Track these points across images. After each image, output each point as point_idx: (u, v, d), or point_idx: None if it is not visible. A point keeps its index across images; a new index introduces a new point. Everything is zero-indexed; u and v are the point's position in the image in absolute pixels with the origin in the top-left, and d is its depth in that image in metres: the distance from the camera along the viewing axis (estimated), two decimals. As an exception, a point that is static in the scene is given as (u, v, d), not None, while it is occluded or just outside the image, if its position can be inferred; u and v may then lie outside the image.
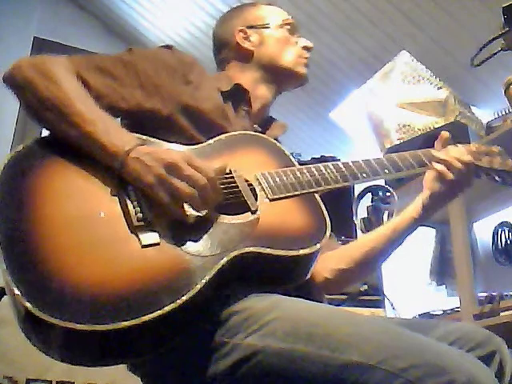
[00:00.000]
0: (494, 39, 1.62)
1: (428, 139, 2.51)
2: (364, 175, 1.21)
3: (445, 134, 1.30)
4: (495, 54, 1.63)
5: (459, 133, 2.45)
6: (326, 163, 1.21)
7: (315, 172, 1.18)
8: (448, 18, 2.78)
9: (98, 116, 1.04)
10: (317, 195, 1.16)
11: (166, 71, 1.22)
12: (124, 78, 1.17)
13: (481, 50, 1.66)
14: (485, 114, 2.77)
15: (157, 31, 4.03)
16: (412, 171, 1.25)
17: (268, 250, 1.00)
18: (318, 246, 1.05)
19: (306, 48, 1.43)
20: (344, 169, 1.20)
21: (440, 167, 1.21)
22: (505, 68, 2.33)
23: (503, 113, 2.45)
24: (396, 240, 1.27)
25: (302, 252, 1.03)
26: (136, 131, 1.10)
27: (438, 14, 2.79)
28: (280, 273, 1.05)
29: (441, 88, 2.77)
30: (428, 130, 2.67)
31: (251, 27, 1.42)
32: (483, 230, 2.57)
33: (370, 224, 2.65)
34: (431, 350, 0.87)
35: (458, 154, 1.22)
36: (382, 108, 2.93)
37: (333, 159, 2.69)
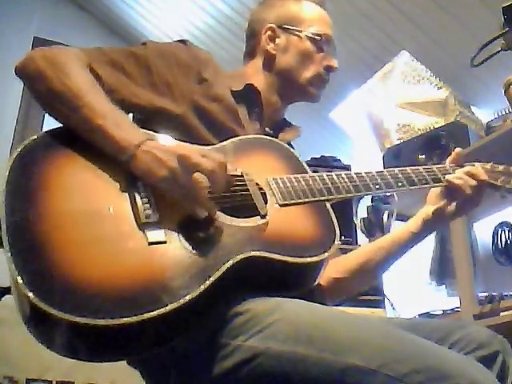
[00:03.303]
0: (494, 39, 1.63)
1: (428, 139, 2.53)
2: (377, 187, 1.19)
3: (458, 150, 1.27)
4: (495, 53, 1.63)
5: (459, 133, 2.45)
6: (339, 172, 1.19)
7: (327, 180, 1.15)
8: (448, 17, 2.78)
9: (109, 109, 1.03)
10: (327, 204, 1.14)
11: (180, 68, 1.20)
12: (136, 74, 1.16)
13: (481, 49, 1.66)
14: (485, 114, 2.77)
15: (157, 31, 4.03)
16: (426, 186, 1.23)
17: (275, 256, 0.98)
18: (326, 254, 1.04)
19: (328, 68, 1.35)
20: (357, 179, 1.18)
21: (458, 182, 1.19)
22: (505, 68, 2.33)
23: (503, 113, 2.44)
24: (394, 253, 1.26)
25: (309, 260, 1.01)
26: (148, 128, 1.08)
27: (437, 14, 2.79)
28: (286, 279, 1.03)
29: (441, 88, 2.77)
30: (428, 130, 2.67)
31: (282, 27, 1.34)
32: (483, 230, 2.56)
33: (370, 224, 2.65)
34: (433, 355, 0.86)
35: (473, 172, 1.21)
36: (382, 108, 2.93)
37: (333, 159, 2.69)
